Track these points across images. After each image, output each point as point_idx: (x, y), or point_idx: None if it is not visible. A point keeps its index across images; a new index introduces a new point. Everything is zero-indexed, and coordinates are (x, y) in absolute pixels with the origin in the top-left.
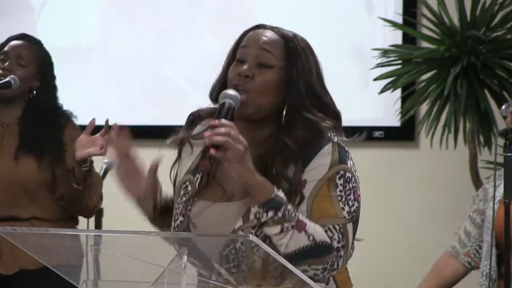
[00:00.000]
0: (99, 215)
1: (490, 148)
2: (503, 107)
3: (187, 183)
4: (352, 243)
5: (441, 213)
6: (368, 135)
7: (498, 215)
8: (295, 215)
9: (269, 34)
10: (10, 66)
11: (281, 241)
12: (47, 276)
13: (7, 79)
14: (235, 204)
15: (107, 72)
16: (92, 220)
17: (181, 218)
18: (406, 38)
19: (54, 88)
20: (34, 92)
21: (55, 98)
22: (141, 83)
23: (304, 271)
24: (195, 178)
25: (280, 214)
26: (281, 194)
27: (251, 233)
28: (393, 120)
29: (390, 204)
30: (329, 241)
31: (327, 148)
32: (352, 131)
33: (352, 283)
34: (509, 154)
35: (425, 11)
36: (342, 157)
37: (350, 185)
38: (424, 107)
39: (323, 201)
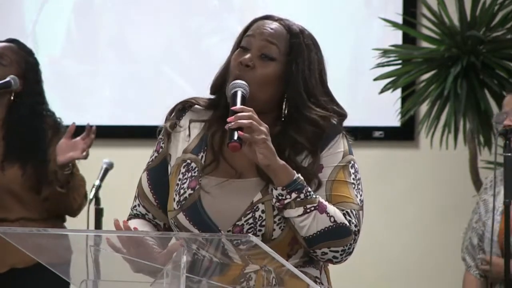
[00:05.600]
0: (99, 215)
1: (490, 148)
2: (494, 118)
3: (189, 161)
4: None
5: (441, 213)
6: (368, 135)
7: (501, 227)
8: (316, 196)
9: (275, 26)
10: None
11: (303, 223)
12: (38, 275)
13: (7, 79)
14: (251, 181)
15: (107, 72)
16: (92, 220)
17: (189, 191)
18: (406, 38)
19: (39, 95)
20: (15, 96)
21: (40, 104)
22: (142, 83)
23: (323, 254)
24: (199, 157)
25: (302, 196)
26: (301, 177)
27: (272, 205)
28: (393, 120)
29: (390, 204)
30: (347, 223)
31: (339, 138)
32: (352, 131)
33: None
34: (509, 154)
35: (425, 11)
36: (350, 149)
37: (358, 176)
38: (424, 107)
39: (341, 186)
